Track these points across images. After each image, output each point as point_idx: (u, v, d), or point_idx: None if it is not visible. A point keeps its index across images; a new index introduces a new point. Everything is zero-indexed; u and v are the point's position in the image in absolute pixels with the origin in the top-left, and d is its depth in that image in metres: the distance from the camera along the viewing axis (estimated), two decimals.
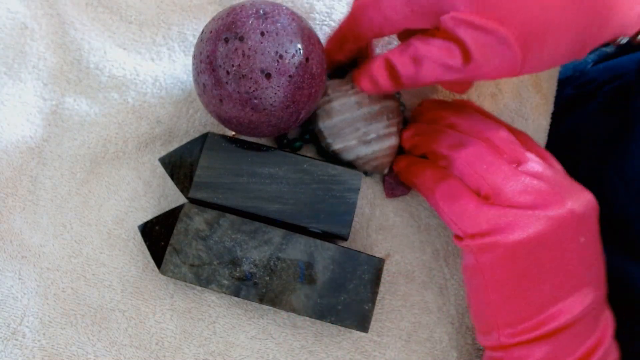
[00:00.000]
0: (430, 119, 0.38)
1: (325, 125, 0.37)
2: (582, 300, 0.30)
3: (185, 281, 0.33)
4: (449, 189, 0.33)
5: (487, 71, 0.31)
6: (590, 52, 0.58)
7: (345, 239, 0.35)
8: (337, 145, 0.37)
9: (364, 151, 0.36)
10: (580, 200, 0.31)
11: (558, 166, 0.34)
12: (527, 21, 0.28)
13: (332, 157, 0.38)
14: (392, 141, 0.37)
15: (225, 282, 0.33)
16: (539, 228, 0.30)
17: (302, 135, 0.39)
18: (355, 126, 0.36)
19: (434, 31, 0.32)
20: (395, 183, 0.39)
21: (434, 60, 0.31)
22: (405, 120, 0.40)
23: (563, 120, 0.45)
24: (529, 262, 0.30)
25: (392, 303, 0.38)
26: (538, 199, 0.30)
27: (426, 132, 0.37)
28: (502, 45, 0.29)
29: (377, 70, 0.33)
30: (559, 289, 0.30)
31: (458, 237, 0.33)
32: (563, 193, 0.31)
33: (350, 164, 0.37)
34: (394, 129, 0.37)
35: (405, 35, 0.36)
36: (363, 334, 0.37)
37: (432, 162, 0.36)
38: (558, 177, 0.32)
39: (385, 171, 0.39)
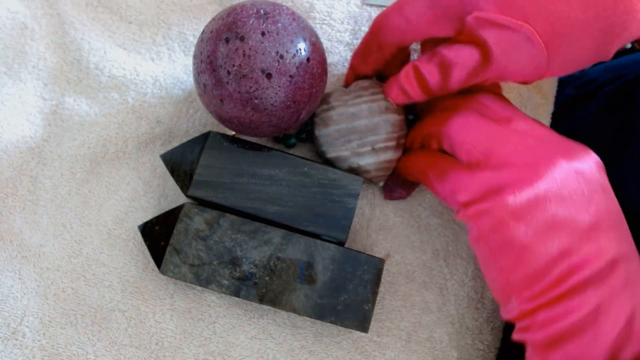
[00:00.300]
0: (425, 113, 0.38)
1: (321, 133, 0.36)
2: (608, 247, 0.28)
3: (185, 281, 0.33)
4: (440, 166, 0.33)
5: (513, 70, 0.31)
6: None
7: (342, 244, 0.35)
8: (330, 154, 0.36)
9: (356, 163, 0.36)
10: (576, 156, 0.30)
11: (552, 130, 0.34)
12: (551, 18, 0.29)
13: (329, 165, 0.37)
14: (389, 155, 0.36)
15: (225, 282, 0.33)
16: (534, 185, 0.29)
17: (299, 134, 0.39)
18: (349, 137, 0.36)
19: (457, 37, 0.32)
20: (394, 186, 0.39)
21: (461, 65, 0.31)
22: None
23: (563, 120, 0.45)
24: (531, 219, 0.29)
25: (392, 303, 0.38)
26: (528, 156, 0.30)
27: (419, 121, 0.37)
28: (527, 42, 0.29)
29: (406, 80, 0.34)
30: (571, 239, 0.28)
31: (457, 211, 0.33)
32: (555, 149, 0.30)
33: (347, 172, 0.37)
34: (391, 144, 0.36)
35: (428, 48, 0.36)
36: (363, 334, 0.37)
37: (425, 148, 0.36)
38: (552, 135, 0.32)
39: (381, 184, 0.39)
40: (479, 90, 0.36)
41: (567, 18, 0.29)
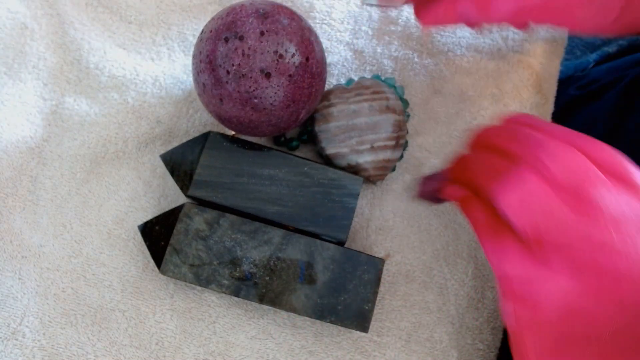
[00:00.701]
0: (480, 146, 0.30)
1: (320, 129, 0.37)
2: None
3: (185, 281, 0.33)
4: (494, 222, 0.26)
5: (578, 18, 0.28)
6: (592, 52, 0.58)
7: (342, 244, 0.35)
8: (330, 150, 0.37)
9: (355, 160, 0.36)
10: None
11: None
12: None
13: (327, 161, 0.37)
14: (387, 154, 0.37)
15: (225, 282, 0.33)
16: (602, 296, 0.23)
17: (300, 135, 0.39)
18: (349, 134, 0.36)
19: None
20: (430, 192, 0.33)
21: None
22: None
23: (564, 121, 0.45)
24: (578, 334, 0.24)
25: (392, 303, 0.38)
26: (607, 258, 0.23)
27: (467, 159, 0.30)
28: None
29: (443, 16, 0.33)
30: None
31: (499, 281, 0.27)
32: None
33: (345, 170, 0.37)
34: (391, 143, 0.37)
35: None
36: (363, 334, 0.37)
37: (480, 198, 0.28)
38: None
39: (377, 183, 0.39)
40: (543, 141, 0.26)
41: None
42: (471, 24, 0.32)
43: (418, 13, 0.35)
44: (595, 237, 0.23)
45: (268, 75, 0.30)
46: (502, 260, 0.25)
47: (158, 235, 0.34)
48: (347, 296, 0.34)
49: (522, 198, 0.25)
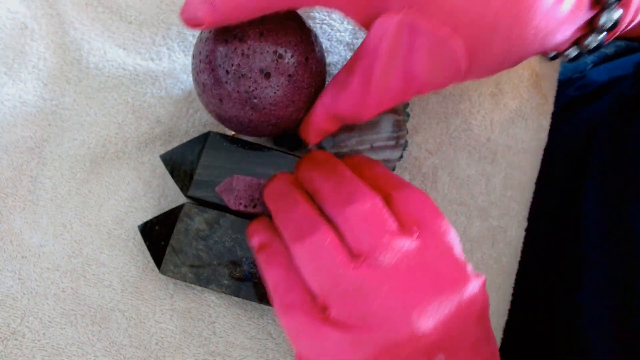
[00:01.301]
0: (301, 178, 0.32)
1: None
2: None
3: (185, 281, 0.33)
4: (286, 283, 0.27)
5: (427, 82, 0.28)
6: (589, 54, 0.58)
7: None
8: (329, 150, 0.36)
9: None
10: (443, 307, 0.24)
11: (443, 239, 0.27)
12: (476, 24, 0.24)
13: None
14: (387, 154, 0.36)
15: (225, 282, 0.33)
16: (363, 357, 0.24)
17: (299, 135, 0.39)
18: (349, 134, 0.36)
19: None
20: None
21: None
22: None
23: (563, 121, 0.45)
24: None
25: None
26: (368, 318, 0.24)
27: (280, 195, 0.31)
28: (449, 56, 0.26)
29: (320, 122, 0.31)
30: None
31: None
32: (416, 301, 0.24)
33: None
34: (391, 143, 0.36)
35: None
36: None
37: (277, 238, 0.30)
38: (425, 265, 0.26)
39: None
40: (369, 178, 0.30)
41: (492, 23, 0.24)
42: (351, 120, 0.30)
43: (301, 134, 0.33)
44: (365, 288, 0.24)
45: (268, 75, 0.30)
46: (290, 320, 0.26)
47: (158, 235, 0.35)
48: None
49: (311, 250, 0.26)
